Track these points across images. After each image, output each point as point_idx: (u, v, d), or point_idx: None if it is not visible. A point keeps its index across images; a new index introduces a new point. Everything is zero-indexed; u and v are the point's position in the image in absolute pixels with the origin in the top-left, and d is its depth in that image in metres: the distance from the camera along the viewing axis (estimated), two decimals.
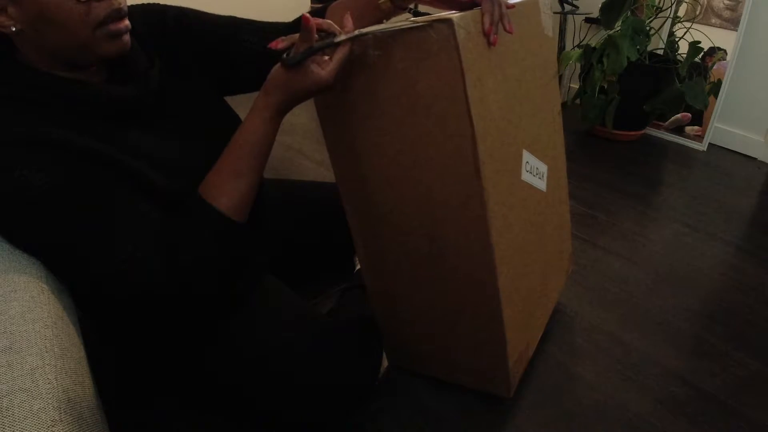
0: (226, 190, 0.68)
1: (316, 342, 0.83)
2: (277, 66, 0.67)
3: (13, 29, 0.59)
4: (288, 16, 0.88)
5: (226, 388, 0.82)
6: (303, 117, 2.49)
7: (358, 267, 1.16)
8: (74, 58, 0.64)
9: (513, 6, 0.77)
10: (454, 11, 0.71)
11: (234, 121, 0.85)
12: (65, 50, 0.62)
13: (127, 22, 0.65)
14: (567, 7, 2.37)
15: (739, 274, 1.37)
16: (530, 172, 0.89)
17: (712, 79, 2.15)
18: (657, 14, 2.15)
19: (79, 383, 0.53)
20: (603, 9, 2.12)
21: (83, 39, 0.61)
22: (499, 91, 0.76)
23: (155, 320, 0.76)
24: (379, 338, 1.01)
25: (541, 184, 0.95)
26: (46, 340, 0.54)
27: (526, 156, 0.87)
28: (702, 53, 2.12)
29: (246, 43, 0.82)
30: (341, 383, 0.82)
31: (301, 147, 2.13)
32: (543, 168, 0.95)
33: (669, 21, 2.18)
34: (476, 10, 0.71)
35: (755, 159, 2.16)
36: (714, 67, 2.15)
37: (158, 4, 0.81)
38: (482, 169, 0.72)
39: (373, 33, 0.68)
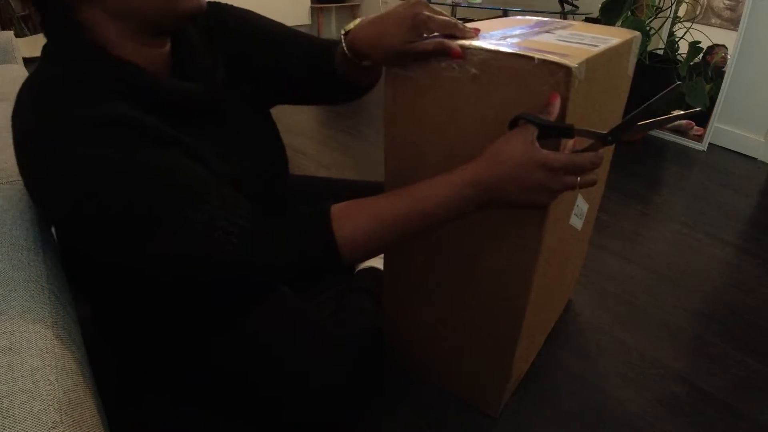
0: (361, 217, 0.61)
1: (316, 344, 0.83)
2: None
3: None
4: (287, 16, 0.88)
5: (226, 387, 0.82)
6: (303, 117, 2.49)
7: (359, 268, 1.16)
8: (154, 21, 0.59)
9: (476, 33, 0.70)
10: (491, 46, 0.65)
11: (273, 133, 0.84)
12: (145, 11, 0.58)
13: None
14: (567, 7, 2.37)
15: (739, 274, 1.37)
16: (577, 215, 0.88)
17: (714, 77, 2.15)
18: (657, 14, 2.15)
19: (80, 384, 0.53)
20: (603, 9, 2.12)
21: None
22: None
23: (193, 303, 0.75)
24: (380, 341, 1.01)
25: (579, 224, 0.93)
26: (47, 341, 0.54)
27: (579, 201, 0.86)
28: (702, 52, 2.12)
29: (293, 58, 0.80)
30: (341, 385, 0.82)
31: (302, 147, 2.13)
32: (585, 207, 0.93)
33: (669, 21, 2.18)
34: (593, 55, 0.65)
35: (755, 159, 2.16)
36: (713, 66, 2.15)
37: (218, 3, 0.78)
38: (547, 219, 0.69)
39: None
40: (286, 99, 0.87)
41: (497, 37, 0.71)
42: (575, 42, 0.73)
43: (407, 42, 0.64)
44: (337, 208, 0.62)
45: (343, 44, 0.70)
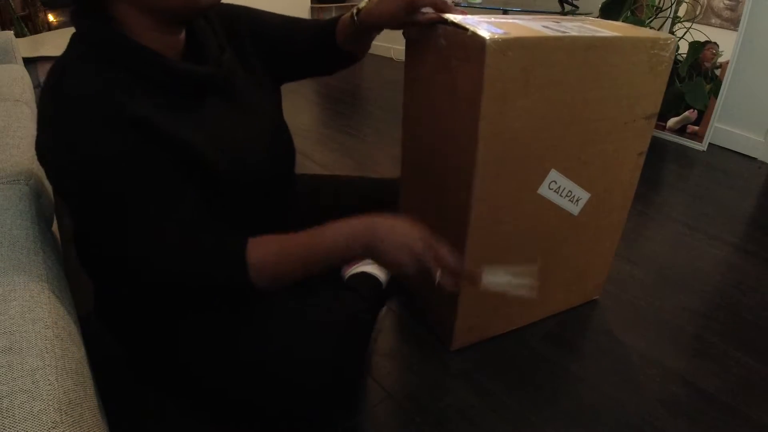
0: (271, 247, 0.71)
1: (304, 338, 0.82)
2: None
3: None
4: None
5: (213, 382, 0.81)
6: (303, 117, 2.49)
7: (350, 274, 1.17)
8: (173, 12, 0.67)
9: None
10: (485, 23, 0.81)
11: (280, 115, 0.95)
12: (174, 5, 0.66)
13: None
14: (567, 7, 2.36)
15: (739, 274, 1.37)
16: (555, 192, 0.97)
17: (719, 77, 2.15)
18: (657, 14, 2.15)
19: (80, 384, 0.53)
20: (603, 9, 2.13)
21: None
22: (533, 111, 0.84)
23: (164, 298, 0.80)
24: (366, 338, 1.00)
25: (572, 208, 1.01)
26: (47, 341, 0.54)
27: (554, 176, 0.94)
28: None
29: (299, 43, 0.93)
30: (327, 358, 0.81)
31: (301, 147, 2.13)
32: (581, 194, 1.00)
33: (669, 21, 2.18)
34: (539, 36, 0.77)
35: (755, 159, 2.16)
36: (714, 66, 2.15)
37: (227, 3, 0.87)
38: (477, 166, 0.84)
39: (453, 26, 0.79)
40: (293, 74, 0.98)
41: (481, 19, 0.84)
42: (552, 29, 0.83)
43: (406, 18, 0.82)
44: (253, 239, 0.71)
45: (356, 19, 0.86)
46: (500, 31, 0.77)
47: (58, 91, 0.62)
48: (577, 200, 1.00)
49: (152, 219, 0.66)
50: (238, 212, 0.77)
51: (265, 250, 0.70)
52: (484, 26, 0.78)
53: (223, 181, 0.73)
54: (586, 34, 0.83)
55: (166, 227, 0.67)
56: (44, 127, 0.64)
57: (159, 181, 0.66)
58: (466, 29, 0.76)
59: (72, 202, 0.69)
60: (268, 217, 0.86)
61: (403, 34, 0.92)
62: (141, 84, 0.66)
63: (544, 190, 0.95)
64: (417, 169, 1.06)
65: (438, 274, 0.68)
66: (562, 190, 0.97)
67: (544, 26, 0.85)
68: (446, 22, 0.80)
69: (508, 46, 0.74)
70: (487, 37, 0.73)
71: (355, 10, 0.87)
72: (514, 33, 0.76)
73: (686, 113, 2.24)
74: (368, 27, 0.87)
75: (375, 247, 0.70)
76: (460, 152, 0.86)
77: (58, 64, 0.65)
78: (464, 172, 0.87)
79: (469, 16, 0.83)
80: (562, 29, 0.84)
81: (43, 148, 0.65)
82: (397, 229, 0.70)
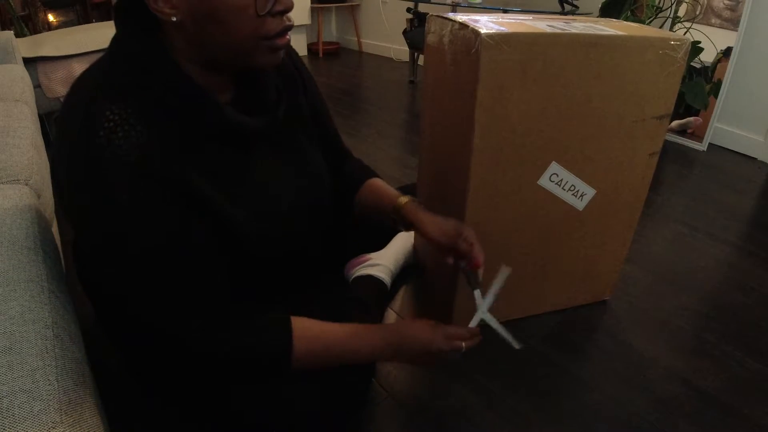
0: (315, 346, 0.72)
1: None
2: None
3: (174, 19, 0.57)
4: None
5: (214, 401, 0.80)
6: None
7: (355, 275, 1.17)
8: (226, 60, 0.62)
9: None
10: None
11: (320, 163, 0.88)
12: (221, 51, 0.61)
13: (289, 37, 0.64)
14: (567, 7, 2.36)
15: (739, 274, 1.37)
16: (557, 184, 0.99)
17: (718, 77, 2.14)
18: (657, 14, 2.15)
19: (80, 384, 0.53)
20: (603, 9, 2.13)
21: (245, 47, 0.60)
22: (531, 103, 0.87)
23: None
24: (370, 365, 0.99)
25: (576, 202, 1.03)
26: (47, 341, 0.54)
27: (555, 168, 0.97)
28: (701, 52, 2.11)
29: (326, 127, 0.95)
30: (327, 403, 0.79)
31: None
32: (586, 190, 1.02)
33: (669, 21, 2.18)
34: (526, 30, 0.81)
35: (755, 159, 2.16)
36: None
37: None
38: (474, 152, 0.88)
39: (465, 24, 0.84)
40: None
41: (489, 18, 0.89)
42: (556, 27, 0.86)
43: (449, 243, 0.83)
44: (297, 328, 0.70)
45: (399, 213, 0.87)
46: (500, 28, 0.80)
47: (92, 144, 0.55)
48: (582, 195, 1.01)
49: (187, 291, 0.63)
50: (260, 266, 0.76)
51: (309, 346, 0.71)
52: (487, 24, 0.82)
53: (254, 248, 0.71)
54: (588, 32, 0.84)
55: (200, 301, 0.64)
56: (80, 189, 0.57)
57: (196, 250, 0.63)
58: (468, 26, 0.82)
59: (104, 267, 0.63)
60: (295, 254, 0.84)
61: None
62: (186, 132, 0.61)
63: (544, 182, 0.97)
64: (430, 165, 1.11)
65: (463, 345, 0.77)
66: (564, 184, 0.98)
67: (549, 25, 0.87)
68: (454, 21, 0.85)
69: (502, 40, 0.79)
70: (483, 32, 0.78)
71: (402, 202, 0.87)
72: (512, 30, 0.80)
73: (691, 119, 2.24)
74: (405, 222, 0.87)
75: (401, 357, 0.78)
76: (460, 139, 0.91)
77: (92, 88, 0.58)
78: (463, 158, 0.91)
79: (476, 16, 0.86)
80: (566, 28, 0.85)
81: (78, 210, 0.60)
82: (417, 338, 0.76)
